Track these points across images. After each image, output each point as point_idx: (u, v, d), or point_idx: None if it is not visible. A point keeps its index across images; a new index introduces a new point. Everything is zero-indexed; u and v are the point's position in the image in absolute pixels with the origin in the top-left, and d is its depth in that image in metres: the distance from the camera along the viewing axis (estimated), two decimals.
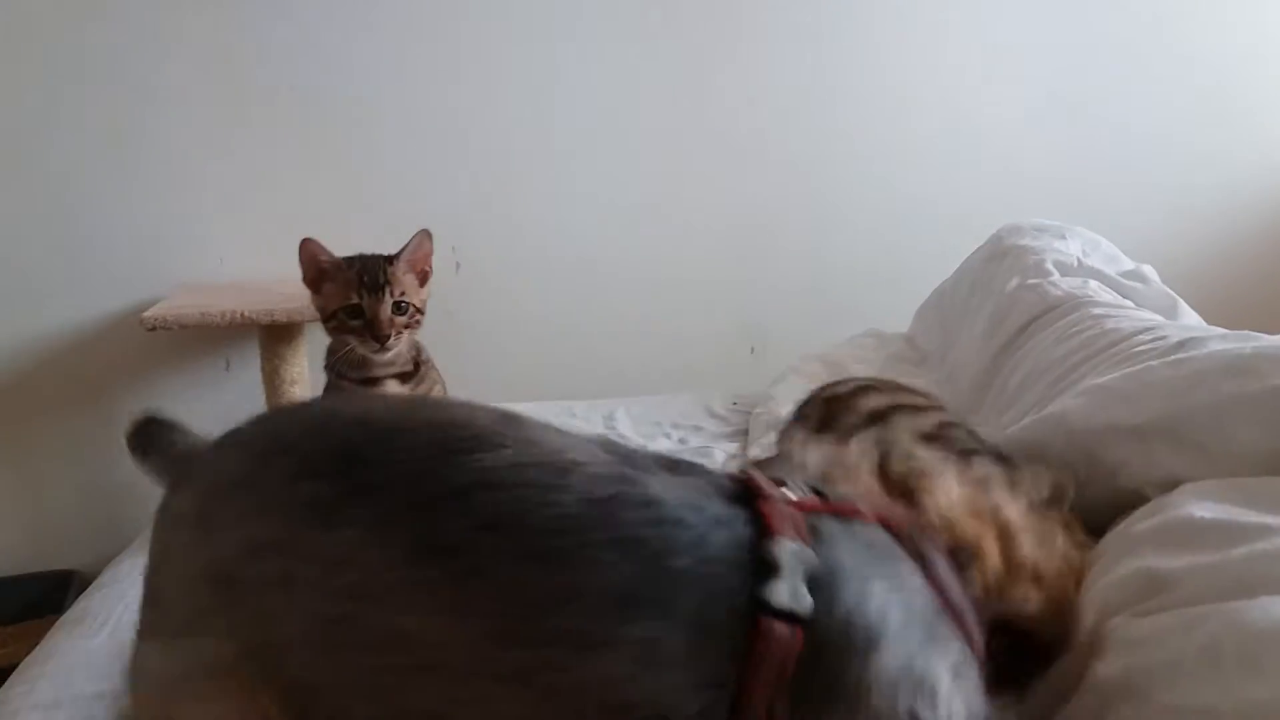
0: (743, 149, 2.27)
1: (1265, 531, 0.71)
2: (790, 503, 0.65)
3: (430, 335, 2.23)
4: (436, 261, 2.07)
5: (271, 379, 2.05)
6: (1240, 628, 0.64)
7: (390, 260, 1.49)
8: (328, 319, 1.49)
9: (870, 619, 0.60)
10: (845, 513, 0.67)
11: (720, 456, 1.64)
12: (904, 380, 1.39)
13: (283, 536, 0.60)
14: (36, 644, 1.25)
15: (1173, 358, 1.02)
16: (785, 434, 1.32)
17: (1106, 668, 0.69)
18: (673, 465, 0.68)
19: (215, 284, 2.15)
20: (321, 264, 1.48)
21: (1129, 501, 0.90)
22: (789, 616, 0.59)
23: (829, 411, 1.27)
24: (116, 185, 2.11)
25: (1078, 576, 0.78)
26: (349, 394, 0.69)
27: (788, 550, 0.61)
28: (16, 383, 2.17)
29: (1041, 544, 0.76)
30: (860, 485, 0.73)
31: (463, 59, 2.16)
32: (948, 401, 1.66)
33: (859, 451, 0.77)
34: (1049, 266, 1.63)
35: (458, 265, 2.19)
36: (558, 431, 0.66)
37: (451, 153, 2.20)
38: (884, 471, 0.75)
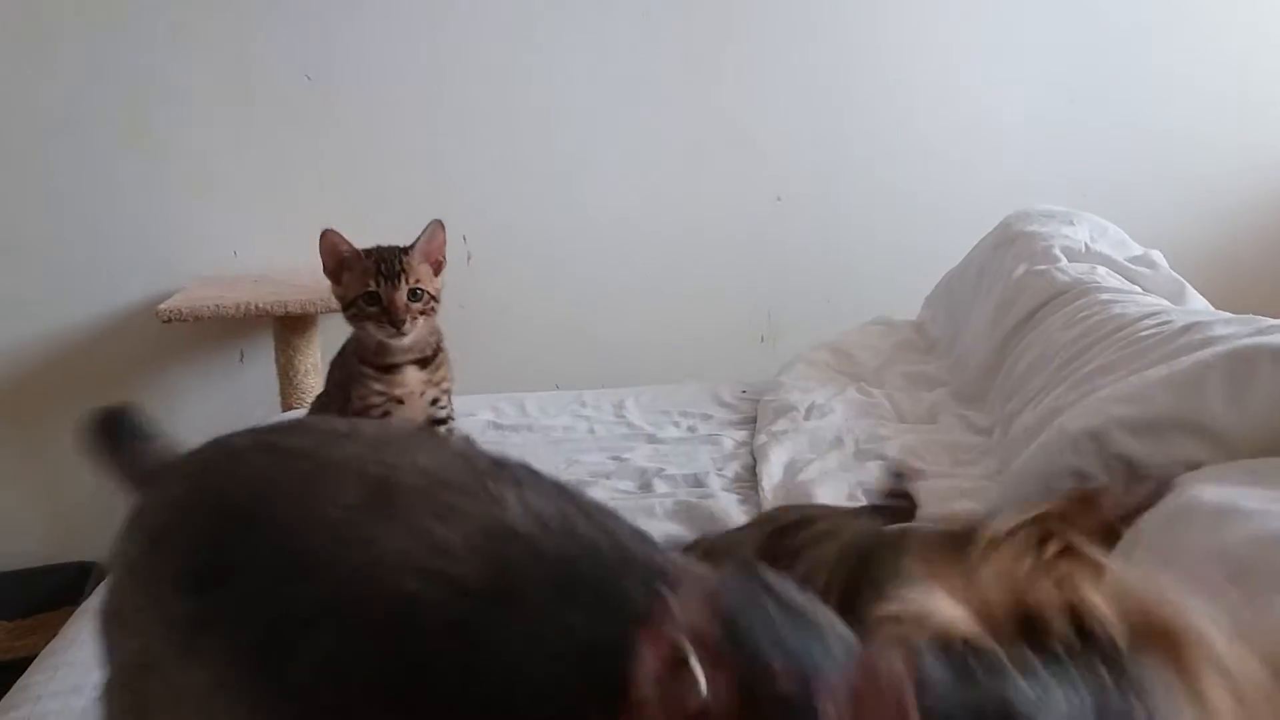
0: (754, 140, 2.28)
1: (1264, 513, 0.72)
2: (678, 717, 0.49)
3: (443, 326, 2.25)
4: (449, 253, 2.07)
5: (285, 370, 2.07)
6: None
7: (406, 250, 1.53)
8: (347, 307, 1.53)
9: None
10: None
11: (729, 444, 1.65)
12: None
13: (162, 656, 0.58)
14: (56, 635, 1.28)
15: (1172, 344, 1.03)
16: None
17: None
18: (570, 583, 0.53)
19: (230, 276, 2.17)
20: (342, 254, 1.52)
21: None
22: None
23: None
24: (132, 180, 2.15)
25: None
26: (260, 445, 0.61)
27: None
28: (34, 375, 2.20)
29: None
30: None
31: (474, 52, 2.18)
32: (958, 387, 1.68)
33: None
34: (1056, 252, 1.63)
35: (469, 256, 2.21)
36: (435, 516, 0.55)
37: (463, 145, 2.21)
38: None
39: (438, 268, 1.58)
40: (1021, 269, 1.63)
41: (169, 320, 1.99)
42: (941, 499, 1.26)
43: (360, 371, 1.55)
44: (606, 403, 1.88)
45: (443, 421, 1.55)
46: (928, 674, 0.49)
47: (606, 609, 0.52)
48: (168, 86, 2.11)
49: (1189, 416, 0.88)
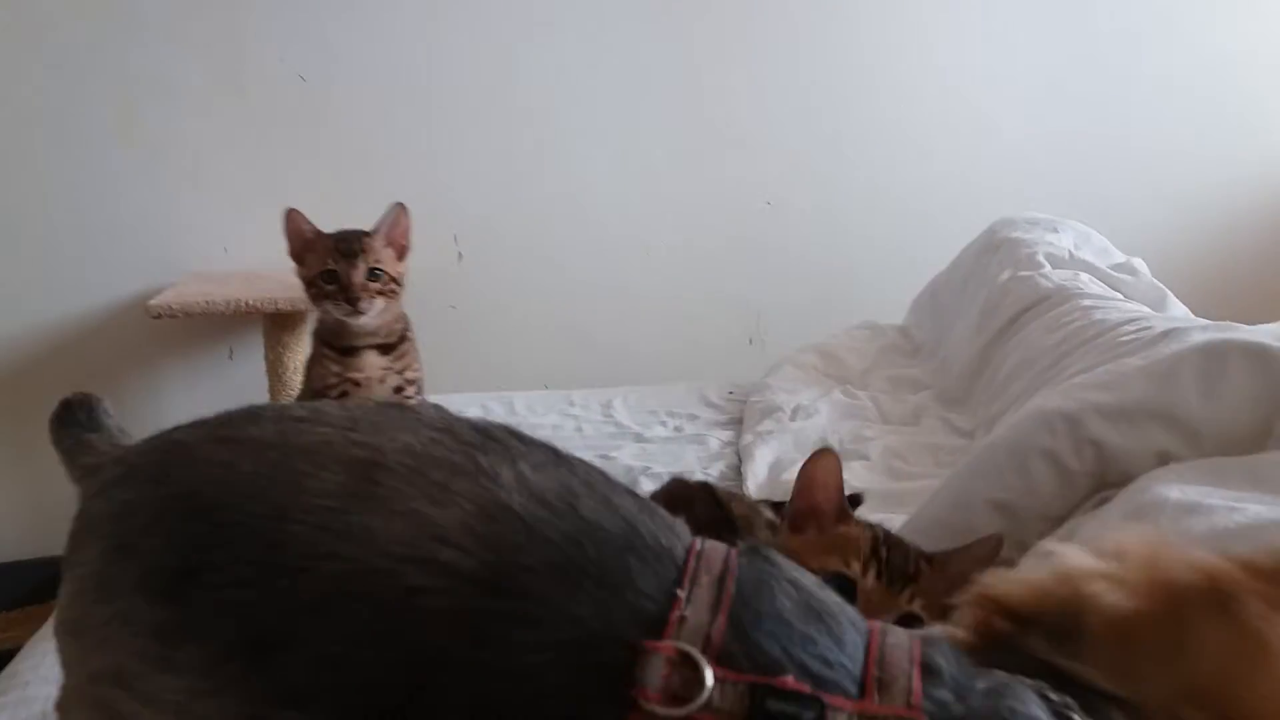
0: (745, 142, 2.31)
1: (1227, 509, 0.75)
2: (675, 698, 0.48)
3: (432, 325, 2.27)
4: (439, 253, 2.10)
5: (275, 367, 2.09)
6: None
7: (367, 232, 1.55)
8: (309, 286, 1.55)
9: None
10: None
11: (715, 444, 1.68)
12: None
13: (134, 669, 0.55)
14: (40, 628, 1.28)
15: (1151, 349, 1.05)
16: None
17: None
18: (573, 569, 0.52)
19: (220, 273, 2.19)
20: (305, 234, 1.54)
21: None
22: None
23: None
24: (124, 174, 2.16)
25: None
26: (217, 437, 0.60)
27: None
28: (22, 369, 2.21)
29: None
30: None
31: (468, 52, 2.20)
32: (942, 390, 1.71)
33: None
34: (1040, 259, 1.66)
35: (460, 255, 2.23)
36: (433, 496, 0.53)
37: (456, 145, 2.24)
38: None
39: (401, 252, 1.60)
40: (1006, 275, 1.66)
41: (159, 316, 2.00)
42: (923, 500, 1.28)
43: (320, 353, 1.58)
44: (595, 402, 1.91)
45: None
46: (936, 663, 0.51)
47: (613, 597, 0.51)
48: (161, 82, 2.13)
49: (1163, 406, 0.91)
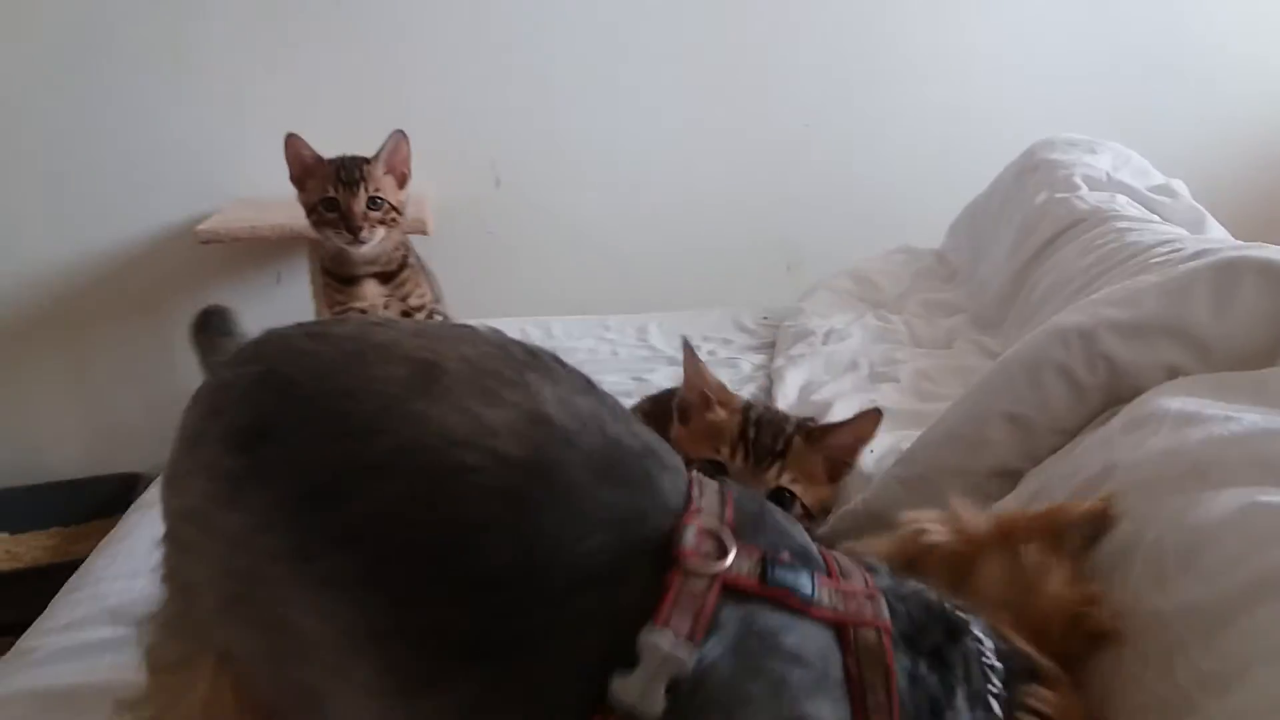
0: (782, 65, 2.32)
1: (1225, 419, 0.78)
2: (719, 577, 0.57)
3: (471, 250, 2.34)
4: (478, 179, 2.14)
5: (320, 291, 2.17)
6: (1180, 528, 0.70)
7: (368, 160, 1.59)
8: (310, 213, 1.60)
9: None
10: (786, 605, 0.58)
11: (747, 368, 1.73)
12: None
13: (200, 507, 0.63)
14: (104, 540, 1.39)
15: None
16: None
17: None
18: (609, 472, 0.59)
19: (267, 199, 2.26)
20: (305, 160, 1.59)
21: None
22: (631, 714, 0.53)
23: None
24: (171, 101, 2.23)
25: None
26: (307, 333, 0.69)
27: (657, 647, 0.53)
28: (78, 293, 2.32)
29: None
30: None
31: None
32: (976, 313, 1.73)
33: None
34: (1077, 180, 1.67)
35: (498, 181, 2.28)
36: (485, 397, 0.60)
37: (494, 71, 2.27)
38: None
39: (401, 180, 1.64)
40: (1042, 196, 1.68)
41: (207, 241, 2.08)
42: None
43: (325, 282, 1.64)
44: (630, 327, 1.96)
45: None
46: (876, 566, 0.66)
47: (639, 490, 0.60)
48: (208, 9, 2.18)
49: (1174, 322, 0.94)
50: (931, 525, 0.73)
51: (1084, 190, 1.65)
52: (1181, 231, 1.49)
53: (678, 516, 0.59)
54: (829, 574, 0.61)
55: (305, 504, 0.59)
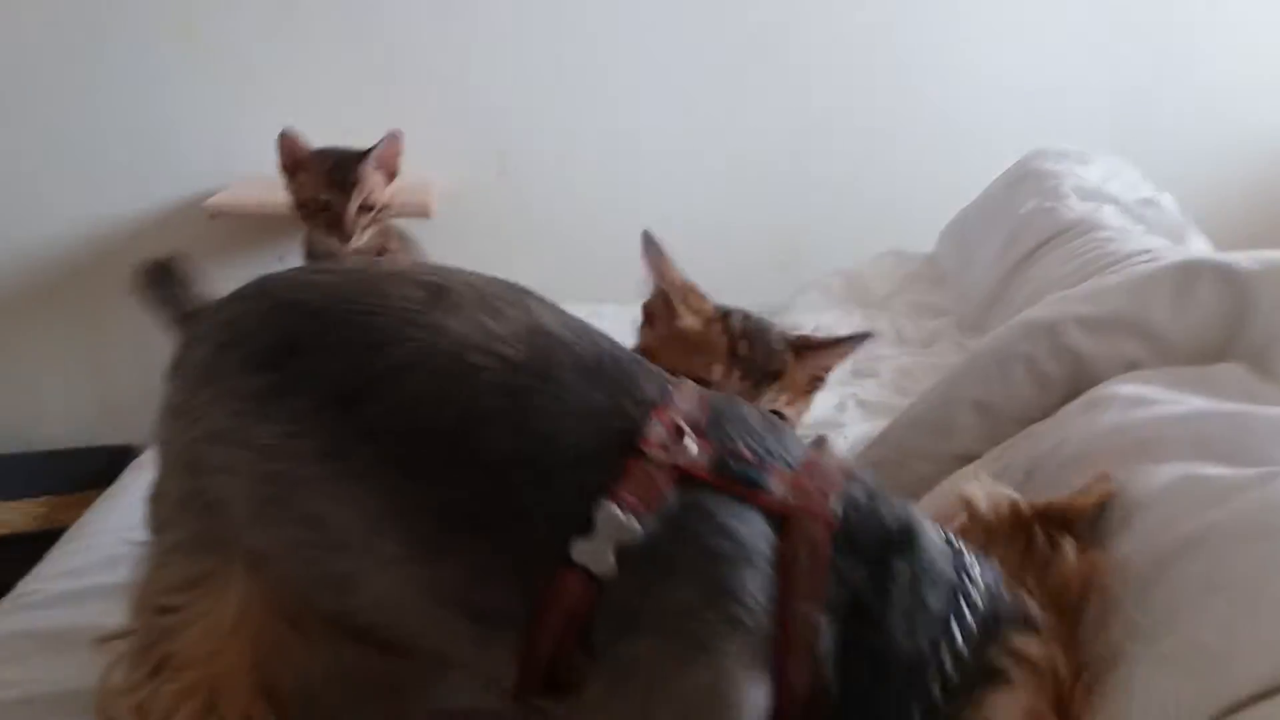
0: (784, 66, 2.38)
1: (1171, 402, 0.85)
2: (673, 466, 0.65)
3: (474, 239, 2.39)
4: (482, 168, 2.20)
5: None
6: (1122, 497, 0.77)
7: (361, 159, 1.65)
8: (299, 207, 1.67)
9: (660, 608, 0.63)
10: (732, 493, 0.66)
11: None
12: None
13: (230, 426, 0.70)
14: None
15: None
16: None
17: None
18: (594, 374, 0.69)
19: (274, 178, 2.32)
20: (298, 155, 1.65)
21: None
22: (587, 573, 0.63)
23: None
24: (184, 78, 2.29)
25: None
26: (313, 269, 0.77)
27: (610, 517, 0.63)
28: (82, 264, 2.38)
29: None
30: None
31: None
32: (961, 316, 1.79)
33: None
34: (1066, 190, 1.73)
35: (503, 169, 2.35)
36: (490, 311, 0.70)
37: (500, 60, 2.34)
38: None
39: (391, 176, 1.71)
40: (1030, 205, 1.74)
41: (215, 216, 2.15)
42: None
43: (307, 259, 1.72)
44: (626, 316, 2.01)
45: None
46: (862, 475, 0.72)
47: (623, 392, 0.69)
48: None
49: (1135, 318, 1.00)
50: (979, 497, 0.76)
51: (1072, 200, 1.72)
52: (1162, 242, 1.55)
53: (653, 413, 0.68)
54: (798, 473, 0.68)
55: (336, 406, 0.68)
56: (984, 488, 0.77)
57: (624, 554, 0.63)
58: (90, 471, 2.36)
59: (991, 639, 0.65)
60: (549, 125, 2.38)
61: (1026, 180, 1.82)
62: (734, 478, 0.66)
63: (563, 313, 0.74)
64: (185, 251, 2.37)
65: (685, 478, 0.65)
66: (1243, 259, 0.99)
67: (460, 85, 2.34)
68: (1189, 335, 0.98)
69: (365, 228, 1.65)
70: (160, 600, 0.73)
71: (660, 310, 1.04)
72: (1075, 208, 1.69)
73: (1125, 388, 0.90)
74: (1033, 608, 0.69)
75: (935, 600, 0.65)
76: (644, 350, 0.92)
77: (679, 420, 0.68)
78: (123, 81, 2.29)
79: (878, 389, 1.54)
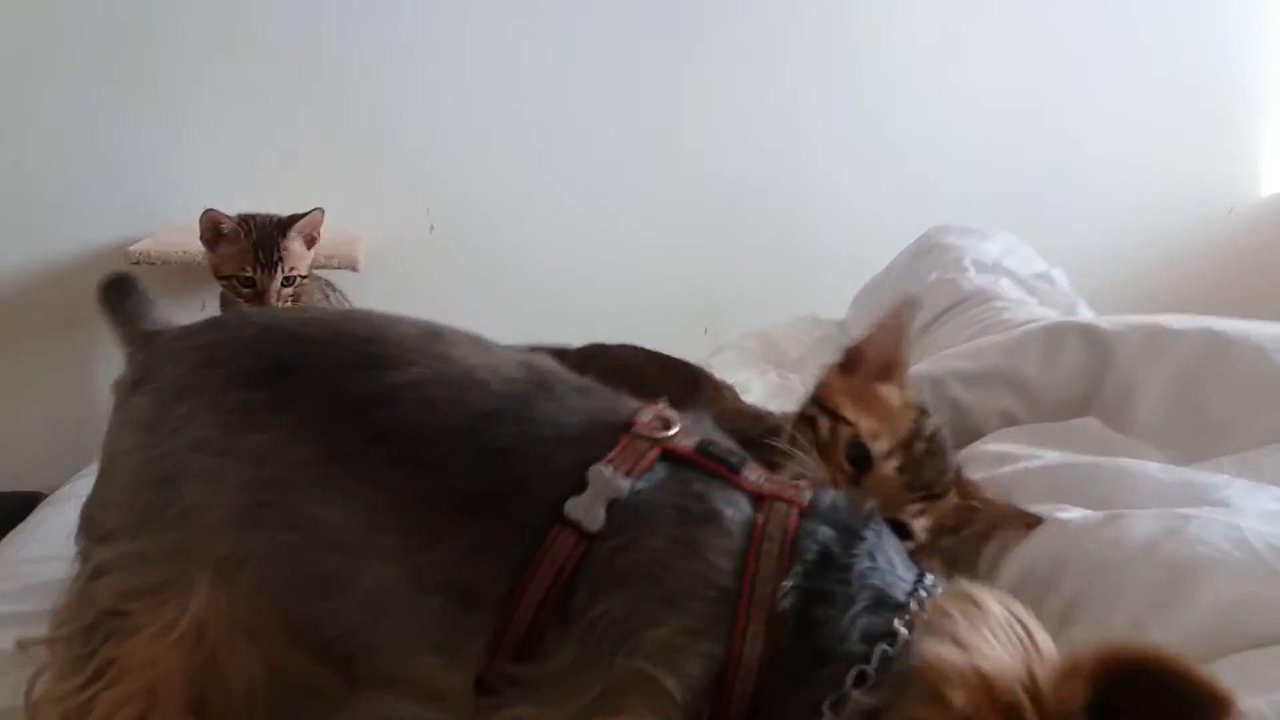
0: (712, 137, 2.54)
1: (1030, 458, 0.96)
2: (659, 442, 0.72)
3: (399, 293, 2.46)
4: (410, 225, 2.28)
5: None
6: None
7: (284, 231, 1.73)
8: (220, 278, 1.74)
9: (634, 560, 0.68)
10: (713, 472, 0.72)
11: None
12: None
13: (214, 436, 0.74)
14: None
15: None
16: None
17: None
18: (585, 391, 0.78)
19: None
20: (221, 230, 1.73)
21: None
22: (575, 529, 0.69)
23: None
24: (114, 124, 2.35)
25: None
26: (285, 310, 0.82)
27: (601, 475, 0.69)
28: (2, 308, 2.39)
29: None
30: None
31: (452, 27, 2.40)
32: None
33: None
34: (966, 263, 1.87)
35: (431, 227, 2.43)
36: (484, 349, 0.79)
37: (432, 119, 2.45)
38: None
39: (310, 243, 1.80)
40: (934, 276, 1.87)
41: (137, 262, 2.18)
42: None
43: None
44: None
45: None
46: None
47: (614, 400, 0.78)
48: (150, 32, 2.32)
49: (1009, 373, 1.12)
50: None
51: (971, 273, 1.86)
52: (1053, 313, 1.69)
53: (639, 410, 0.76)
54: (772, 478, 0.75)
55: (338, 415, 0.74)
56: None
57: (611, 512, 0.69)
58: None
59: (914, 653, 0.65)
60: (477, 185, 2.48)
61: (931, 253, 1.96)
62: (716, 459, 0.73)
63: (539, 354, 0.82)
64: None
65: (671, 455, 0.72)
66: (1105, 322, 1.12)
67: (390, 143, 2.44)
68: (1056, 388, 1.10)
69: (288, 300, 1.73)
70: (110, 605, 0.76)
71: (872, 365, 0.97)
72: (974, 279, 1.82)
73: (991, 446, 1.01)
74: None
75: (881, 592, 0.67)
76: (823, 386, 0.94)
77: (666, 414, 0.75)
78: (52, 125, 2.34)
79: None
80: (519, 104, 2.46)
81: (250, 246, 1.69)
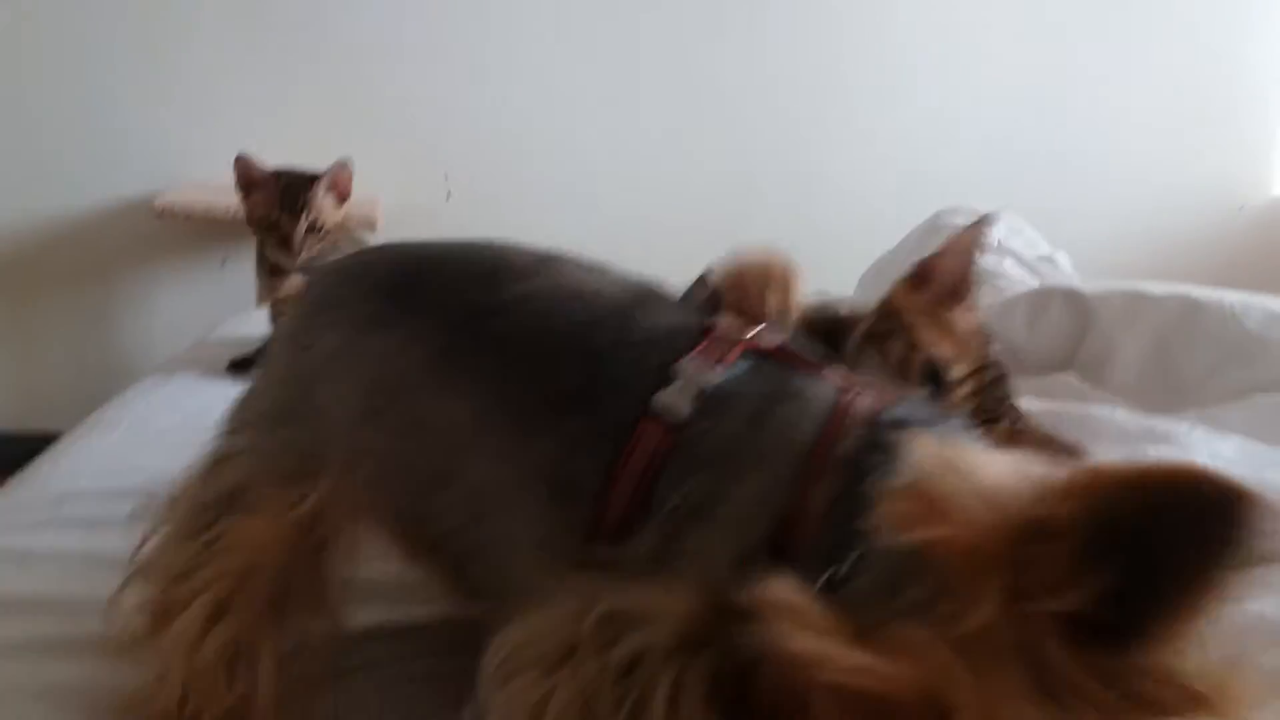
0: (730, 117, 2.63)
1: None
2: (744, 341, 0.77)
3: None
4: (427, 190, 2.37)
5: None
6: None
7: (312, 182, 1.82)
8: (251, 223, 1.83)
9: (714, 443, 0.72)
10: (795, 364, 0.76)
11: None
12: None
13: (347, 340, 0.82)
14: None
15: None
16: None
17: None
18: (681, 304, 0.86)
19: (224, 184, 2.46)
20: (253, 176, 1.82)
21: None
22: (663, 420, 0.72)
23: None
24: (144, 80, 2.46)
25: None
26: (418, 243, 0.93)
27: (687, 369, 0.74)
28: (27, 252, 2.50)
29: None
30: None
31: None
32: None
33: None
34: None
35: (449, 194, 2.52)
36: (592, 271, 0.86)
37: (451, 86, 2.54)
38: None
39: (342, 199, 1.89)
40: None
41: (162, 215, 2.28)
42: None
43: (259, 266, 1.89)
44: None
45: None
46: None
47: (702, 313, 0.83)
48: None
49: (997, 333, 1.19)
50: None
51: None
52: None
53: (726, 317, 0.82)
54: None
55: (459, 322, 0.81)
56: None
57: (696, 403, 0.72)
58: (16, 458, 2.43)
59: None
60: (495, 154, 2.56)
61: (938, 233, 2.02)
62: (799, 355, 0.77)
63: None
64: (132, 247, 2.50)
65: (756, 352, 0.76)
66: (1089, 287, 1.19)
67: (410, 107, 2.52)
68: (1039, 348, 1.17)
69: (313, 247, 1.81)
70: (237, 485, 0.84)
71: (942, 283, 0.94)
72: (979, 260, 1.90)
73: None
74: None
75: None
76: (893, 302, 0.93)
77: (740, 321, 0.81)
78: (79, 79, 2.44)
79: None
80: (539, 76, 2.55)
81: (278, 193, 1.78)
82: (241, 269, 2.47)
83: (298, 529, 0.82)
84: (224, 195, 2.33)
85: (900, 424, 0.68)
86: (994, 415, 0.90)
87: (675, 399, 0.73)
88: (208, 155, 2.46)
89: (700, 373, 0.74)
